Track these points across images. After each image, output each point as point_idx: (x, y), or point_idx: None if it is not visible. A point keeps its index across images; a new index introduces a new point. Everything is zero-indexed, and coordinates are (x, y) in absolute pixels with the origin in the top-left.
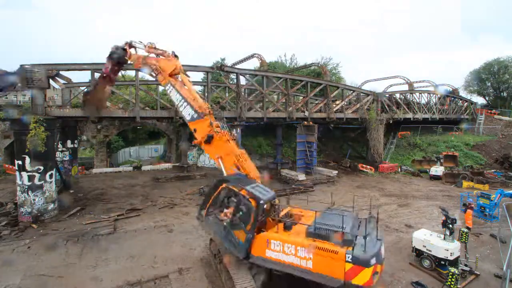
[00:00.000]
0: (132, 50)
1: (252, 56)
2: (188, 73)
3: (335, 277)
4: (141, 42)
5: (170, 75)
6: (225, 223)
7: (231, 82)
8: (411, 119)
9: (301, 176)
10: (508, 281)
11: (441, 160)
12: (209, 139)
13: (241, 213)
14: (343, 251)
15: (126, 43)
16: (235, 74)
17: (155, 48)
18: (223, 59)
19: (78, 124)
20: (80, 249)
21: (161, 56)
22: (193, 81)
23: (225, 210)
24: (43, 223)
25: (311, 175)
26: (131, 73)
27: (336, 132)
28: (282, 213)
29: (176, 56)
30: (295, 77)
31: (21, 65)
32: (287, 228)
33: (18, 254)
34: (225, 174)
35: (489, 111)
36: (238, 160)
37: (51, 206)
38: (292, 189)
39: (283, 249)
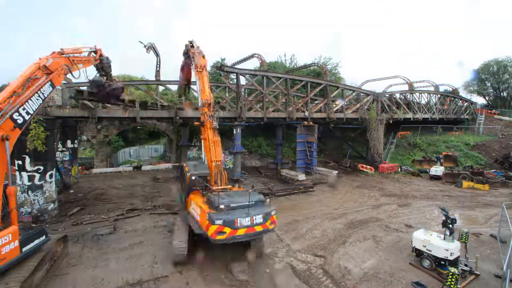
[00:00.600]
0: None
1: (252, 56)
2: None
3: (203, 228)
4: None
5: (199, 70)
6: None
7: (231, 82)
8: (411, 119)
9: (301, 176)
10: (508, 281)
11: (441, 160)
12: (202, 123)
13: (182, 179)
14: (207, 211)
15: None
16: (235, 74)
17: (199, 52)
18: (223, 59)
19: (78, 124)
20: (80, 249)
21: (198, 56)
22: (193, 81)
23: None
24: (43, 223)
25: (311, 175)
26: (131, 73)
27: (336, 132)
28: (219, 188)
29: (203, 56)
30: (295, 77)
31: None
32: (203, 196)
33: None
34: (203, 152)
35: (489, 111)
36: (209, 144)
37: (51, 206)
38: (292, 189)
39: (193, 206)
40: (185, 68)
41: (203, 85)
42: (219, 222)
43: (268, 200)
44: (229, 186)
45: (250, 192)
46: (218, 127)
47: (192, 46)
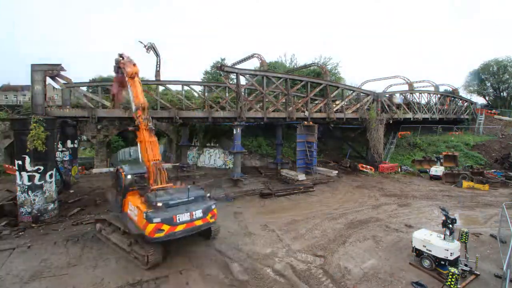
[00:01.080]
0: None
1: (252, 56)
2: (188, 74)
3: (140, 228)
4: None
5: (130, 77)
6: (112, 193)
7: (231, 82)
8: (411, 119)
9: (301, 176)
10: (508, 281)
11: (441, 160)
12: (137, 127)
13: (119, 183)
14: (144, 210)
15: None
16: (235, 74)
17: (129, 62)
18: (223, 59)
19: (78, 124)
20: (80, 249)
21: (128, 65)
22: (193, 81)
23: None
24: (43, 223)
25: (311, 175)
26: None
27: (336, 132)
28: (158, 186)
29: (134, 64)
30: (295, 77)
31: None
32: (141, 195)
33: (18, 254)
34: (139, 153)
35: (489, 111)
36: (147, 146)
37: (51, 206)
38: (292, 189)
39: (131, 208)
40: (119, 80)
41: (135, 91)
42: (157, 220)
43: (208, 194)
44: (170, 184)
45: (189, 187)
46: (154, 128)
47: (122, 58)
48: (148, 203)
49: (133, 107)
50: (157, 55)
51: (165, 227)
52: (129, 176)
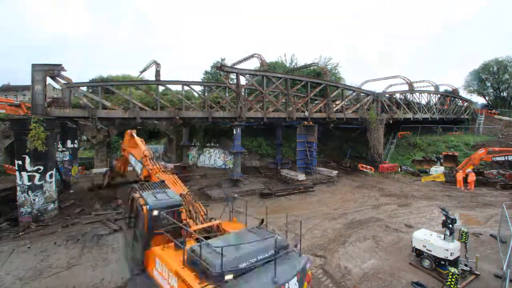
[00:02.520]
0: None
1: (252, 56)
2: (187, 74)
3: None
4: None
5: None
6: (127, 235)
7: (231, 82)
8: (411, 119)
9: (301, 176)
10: (508, 281)
11: (441, 160)
12: (147, 178)
13: (138, 223)
14: (193, 285)
15: None
16: (235, 74)
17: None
18: (223, 59)
19: (78, 124)
20: (80, 249)
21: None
22: (193, 81)
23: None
24: (43, 223)
25: (311, 175)
26: (131, 73)
27: (336, 132)
28: (202, 226)
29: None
30: (295, 77)
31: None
32: (178, 246)
33: (18, 254)
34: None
35: (489, 111)
36: (169, 183)
37: (51, 206)
38: (292, 189)
39: (162, 271)
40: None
41: (137, 153)
42: None
43: (290, 244)
44: (214, 223)
45: (267, 233)
46: (171, 168)
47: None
48: (197, 268)
49: (140, 167)
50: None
51: None
52: (156, 212)
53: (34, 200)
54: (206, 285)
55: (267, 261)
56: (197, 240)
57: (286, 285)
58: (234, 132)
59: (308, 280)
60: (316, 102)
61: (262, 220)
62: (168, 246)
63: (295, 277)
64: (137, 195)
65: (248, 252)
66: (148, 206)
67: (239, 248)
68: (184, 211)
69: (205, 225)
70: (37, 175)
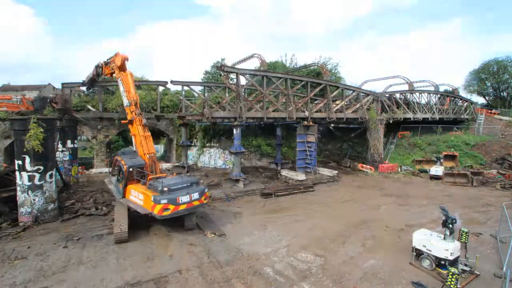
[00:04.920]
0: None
1: (252, 56)
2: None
3: (149, 209)
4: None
5: (120, 69)
6: (115, 179)
7: (231, 82)
8: (411, 119)
9: (301, 176)
10: (508, 281)
11: (441, 160)
12: (130, 122)
13: (120, 172)
14: (151, 195)
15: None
16: (235, 74)
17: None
18: (223, 59)
19: (78, 124)
20: (80, 249)
21: (117, 60)
22: (192, 81)
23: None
24: (43, 223)
25: (311, 175)
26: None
27: (336, 132)
28: (155, 176)
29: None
30: (295, 77)
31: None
32: (143, 184)
33: (18, 254)
34: (134, 148)
35: (489, 111)
36: (141, 140)
37: (51, 206)
38: (292, 189)
39: (135, 194)
40: (101, 72)
41: (127, 85)
42: (164, 201)
43: (201, 180)
44: (164, 174)
45: (187, 175)
46: (147, 123)
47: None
48: (154, 189)
49: (125, 102)
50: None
51: (171, 207)
52: (131, 169)
53: (34, 200)
54: (154, 193)
55: (186, 186)
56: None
57: (192, 195)
58: (234, 132)
59: (206, 196)
60: (316, 102)
61: (187, 171)
62: (137, 184)
63: (197, 192)
64: (119, 158)
65: (177, 182)
66: (128, 165)
67: (173, 181)
68: (147, 166)
69: (157, 175)
70: (37, 175)
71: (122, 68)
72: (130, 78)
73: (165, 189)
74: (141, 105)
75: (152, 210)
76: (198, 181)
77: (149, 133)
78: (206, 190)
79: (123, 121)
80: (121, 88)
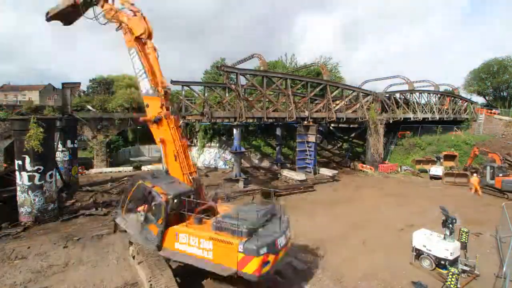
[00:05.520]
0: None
1: (252, 56)
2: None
3: (229, 266)
4: None
5: (137, 39)
6: (140, 218)
7: (231, 82)
8: (411, 118)
9: (301, 176)
10: (508, 281)
11: (441, 160)
12: (157, 120)
13: (153, 207)
14: (236, 242)
15: None
16: (235, 74)
17: (131, 3)
18: (223, 59)
19: (78, 124)
20: (81, 249)
21: (133, 16)
22: (192, 81)
23: (140, 206)
24: (43, 223)
25: (311, 175)
26: (130, 72)
27: (336, 132)
28: (203, 207)
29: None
30: (295, 77)
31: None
32: (197, 222)
33: (18, 254)
34: (163, 159)
35: (489, 111)
36: (177, 150)
37: (51, 206)
38: (292, 189)
39: (189, 242)
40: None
41: (149, 64)
42: (264, 250)
43: (280, 207)
44: (213, 203)
45: (270, 205)
46: (182, 125)
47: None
48: (228, 231)
49: (146, 87)
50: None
51: (271, 257)
52: (175, 200)
53: (34, 200)
54: (241, 238)
55: (267, 222)
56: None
57: (284, 234)
58: (234, 132)
59: (290, 232)
60: (316, 102)
61: (253, 198)
62: (188, 223)
63: (286, 229)
64: (149, 183)
65: (254, 216)
66: (169, 195)
67: (249, 214)
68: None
69: (205, 207)
70: (37, 175)
71: (146, 35)
72: (154, 54)
73: (245, 229)
74: (141, 105)
75: (242, 268)
76: (276, 209)
77: (186, 141)
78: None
79: (143, 118)
80: (137, 64)
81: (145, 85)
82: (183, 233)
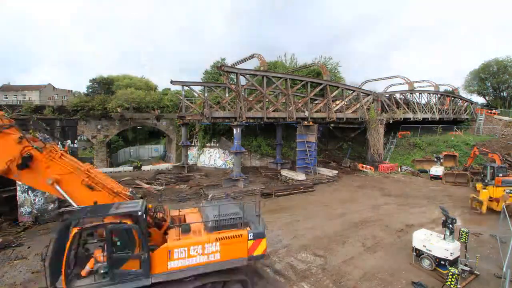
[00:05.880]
0: None
1: (252, 56)
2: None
3: (240, 257)
4: None
5: None
6: (102, 270)
7: (231, 82)
8: (411, 119)
9: (301, 176)
10: (508, 281)
11: (441, 160)
12: (24, 162)
13: (119, 242)
14: (245, 232)
15: None
16: (235, 74)
17: None
18: (223, 59)
19: (78, 124)
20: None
21: None
22: (192, 81)
23: (97, 255)
24: (43, 223)
25: (311, 175)
26: (130, 72)
27: (336, 132)
28: (167, 219)
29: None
30: (295, 77)
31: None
32: (185, 231)
33: (18, 254)
34: (72, 202)
35: (489, 111)
36: (88, 177)
37: (51, 206)
38: (292, 189)
39: (189, 253)
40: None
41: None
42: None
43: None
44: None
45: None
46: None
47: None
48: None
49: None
50: None
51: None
52: (144, 216)
53: (34, 200)
54: (247, 228)
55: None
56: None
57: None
58: (234, 132)
59: None
60: (316, 102)
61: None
62: (176, 237)
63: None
64: (93, 221)
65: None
66: (137, 213)
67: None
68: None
69: (165, 217)
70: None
71: None
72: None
73: (244, 219)
74: (141, 105)
75: (252, 253)
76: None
77: (88, 163)
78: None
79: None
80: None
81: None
82: (179, 248)
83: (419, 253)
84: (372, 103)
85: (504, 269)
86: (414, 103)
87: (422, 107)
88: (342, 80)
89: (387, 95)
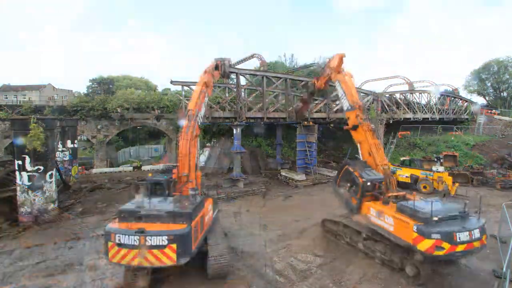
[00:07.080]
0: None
1: (252, 56)
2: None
3: (406, 240)
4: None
5: (338, 70)
6: (346, 192)
7: (231, 82)
8: (411, 119)
9: (301, 176)
10: (508, 281)
11: (441, 160)
12: (354, 127)
13: (354, 186)
14: (412, 223)
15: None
16: (235, 74)
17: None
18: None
19: (78, 124)
20: (81, 249)
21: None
22: (192, 81)
23: (347, 184)
24: (43, 223)
25: (311, 175)
26: (131, 73)
27: (336, 132)
28: (393, 194)
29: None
30: (295, 77)
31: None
32: (385, 203)
33: (18, 254)
34: (361, 157)
35: (489, 111)
36: (370, 147)
37: (51, 206)
38: (292, 189)
39: (378, 215)
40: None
41: (348, 88)
42: (437, 236)
43: (477, 212)
44: (403, 192)
45: (464, 201)
46: (374, 128)
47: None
48: (409, 214)
49: (347, 105)
50: None
51: (446, 246)
52: (368, 183)
53: (34, 200)
54: (415, 221)
55: (460, 217)
56: (396, 198)
57: (472, 231)
58: (234, 132)
59: (485, 236)
60: (316, 102)
61: (444, 195)
62: (376, 202)
63: (478, 229)
64: (351, 168)
65: (445, 209)
66: (364, 179)
67: (440, 207)
68: (384, 182)
69: (396, 193)
70: (37, 175)
71: (339, 68)
72: (350, 81)
73: (435, 218)
74: (141, 105)
75: (416, 243)
76: (467, 211)
77: (378, 141)
78: (485, 226)
79: (345, 127)
80: (340, 92)
81: (346, 104)
82: (373, 208)
83: None
84: (372, 103)
85: (504, 269)
86: (414, 103)
87: (422, 107)
88: None
89: (387, 95)
